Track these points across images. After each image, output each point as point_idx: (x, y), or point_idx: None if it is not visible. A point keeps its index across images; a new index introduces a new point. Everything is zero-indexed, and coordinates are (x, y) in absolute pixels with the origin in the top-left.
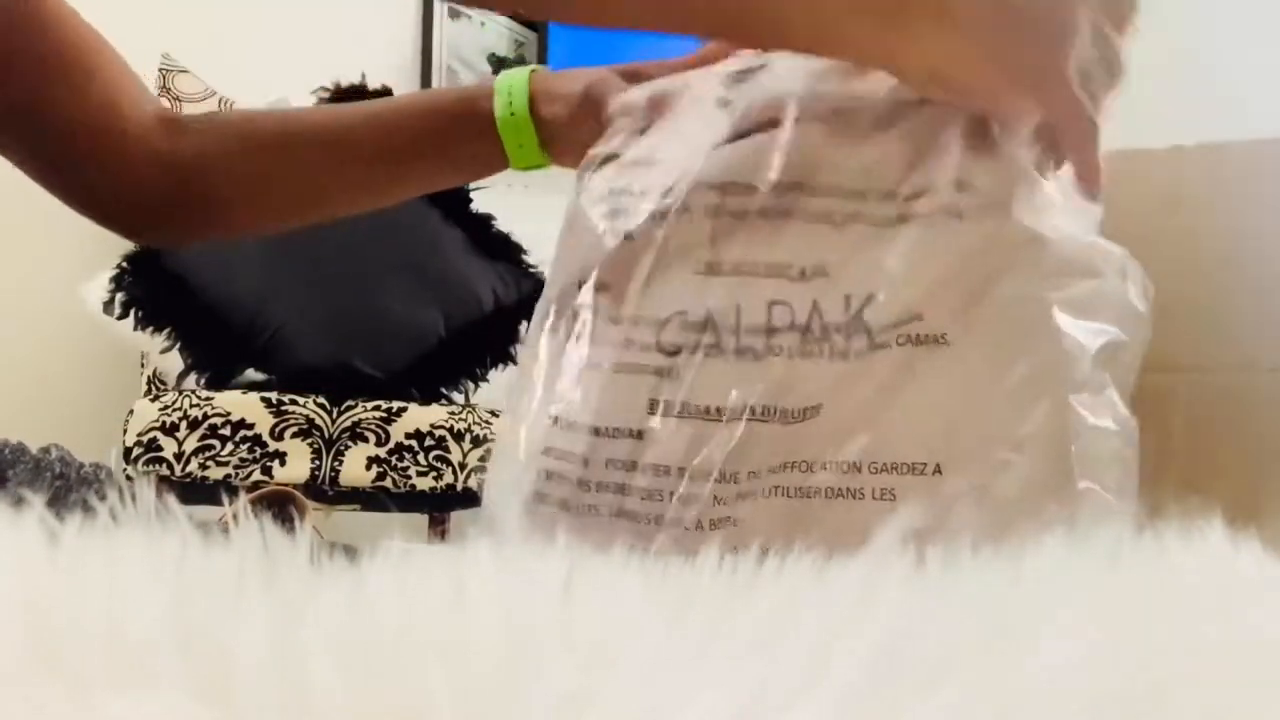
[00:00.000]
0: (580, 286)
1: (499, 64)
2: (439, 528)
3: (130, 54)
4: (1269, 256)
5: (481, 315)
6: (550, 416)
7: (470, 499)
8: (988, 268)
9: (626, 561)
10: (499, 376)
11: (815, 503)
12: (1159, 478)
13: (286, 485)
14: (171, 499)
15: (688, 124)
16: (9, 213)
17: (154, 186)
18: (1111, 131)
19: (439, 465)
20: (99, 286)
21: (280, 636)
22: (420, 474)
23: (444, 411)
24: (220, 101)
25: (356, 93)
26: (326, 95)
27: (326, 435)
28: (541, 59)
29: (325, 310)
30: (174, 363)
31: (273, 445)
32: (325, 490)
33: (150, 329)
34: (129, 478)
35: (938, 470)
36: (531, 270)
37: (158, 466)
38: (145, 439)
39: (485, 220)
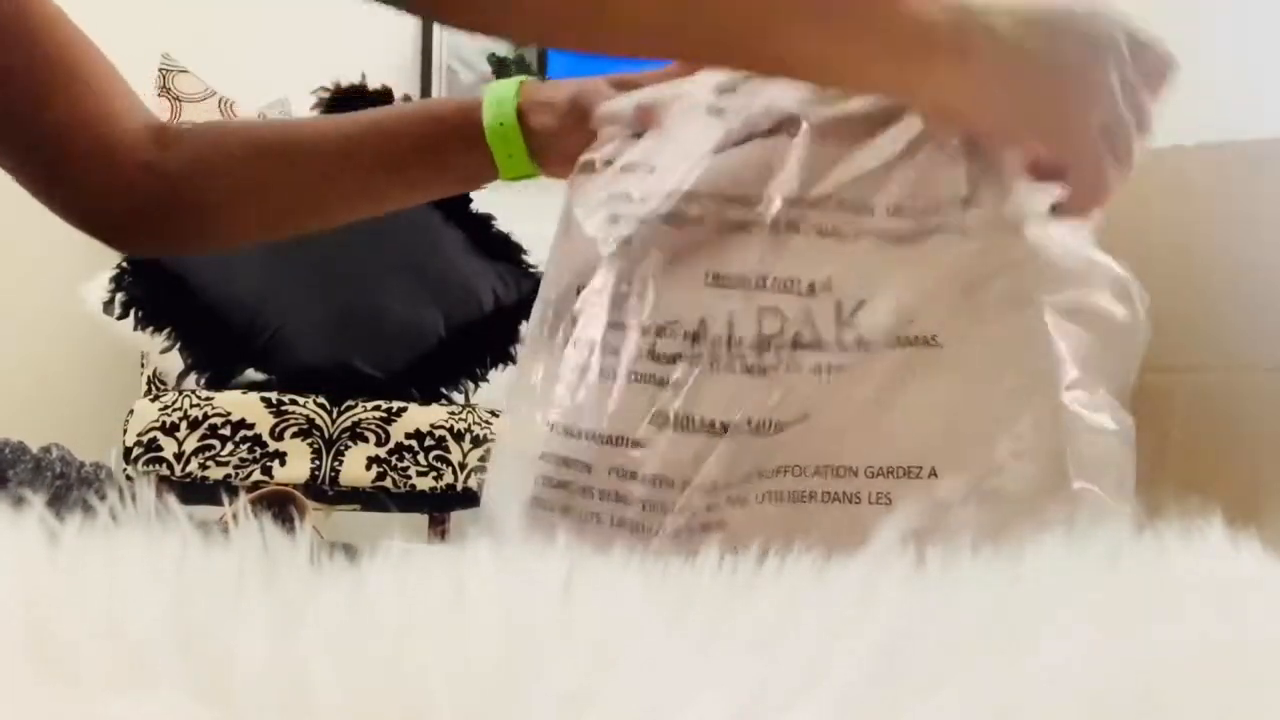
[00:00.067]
0: (578, 292)
1: (499, 64)
2: (439, 528)
3: (130, 54)
4: (1269, 256)
5: (481, 315)
6: (548, 423)
7: (470, 499)
8: (982, 273)
9: (626, 561)
10: (499, 376)
11: (811, 507)
12: (1157, 478)
13: (286, 485)
14: (171, 499)
15: (683, 130)
16: (9, 213)
17: (144, 196)
18: None
19: (439, 465)
20: (99, 286)
21: (280, 636)
22: (420, 474)
23: (444, 411)
24: (220, 101)
25: (356, 93)
26: (326, 95)
27: (326, 435)
28: (541, 60)
29: (325, 310)
30: (174, 363)
31: (273, 445)
32: (325, 490)
33: (150, 329)
34: (129, 478)
35: (933, 473)
36: (531, 270)
37: (158, 466)
38: (145, 439)
39: (485, 220)
